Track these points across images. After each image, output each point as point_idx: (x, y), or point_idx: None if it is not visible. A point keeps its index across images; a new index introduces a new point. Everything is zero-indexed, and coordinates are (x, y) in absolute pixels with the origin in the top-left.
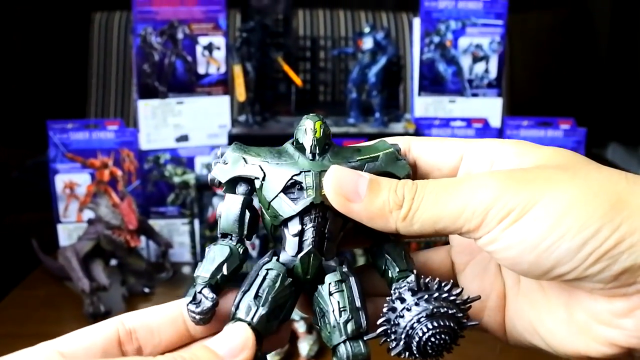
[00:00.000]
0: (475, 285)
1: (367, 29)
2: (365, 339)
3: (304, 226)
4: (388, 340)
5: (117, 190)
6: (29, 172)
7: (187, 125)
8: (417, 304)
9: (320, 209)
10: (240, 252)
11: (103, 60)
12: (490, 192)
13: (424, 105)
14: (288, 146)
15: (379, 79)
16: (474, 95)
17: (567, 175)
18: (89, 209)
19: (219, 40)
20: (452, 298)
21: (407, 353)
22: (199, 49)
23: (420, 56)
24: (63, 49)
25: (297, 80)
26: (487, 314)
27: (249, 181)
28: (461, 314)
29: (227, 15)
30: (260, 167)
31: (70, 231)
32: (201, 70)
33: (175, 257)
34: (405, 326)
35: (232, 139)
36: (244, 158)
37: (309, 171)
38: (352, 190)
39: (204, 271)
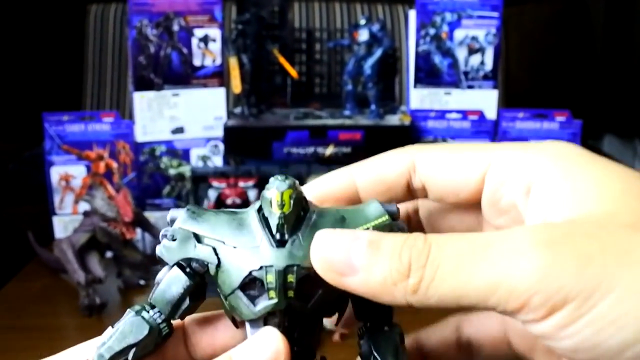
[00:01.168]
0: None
1: (362, 21)
2: None
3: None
4: None
5: (113, 182)
6: (25, 164)
7: (183, 117)
8: None
9: (288, 314)
10: (163, 334)
11: (99, 52)
12: (534, 268)
13: (419, 97)
14: (252, 216)
15: (374, 71)
16: (470, 87)
17: None
18: (84, 201)
19: (215, 32)
20: None
21: None
22: (194, 41)
23: (416, 48)
24: (58, 41)
25: (293, 72)
26: (538, 354)
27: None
28: None
29: (222, 7)
30: (214, 250)
31: (65, 223)
32: (197, 62)
33: None
34: None
35: (228, 130)
36: (195, 235)
37: (271, 267)
38: (344, 263)
39: (107, 347)
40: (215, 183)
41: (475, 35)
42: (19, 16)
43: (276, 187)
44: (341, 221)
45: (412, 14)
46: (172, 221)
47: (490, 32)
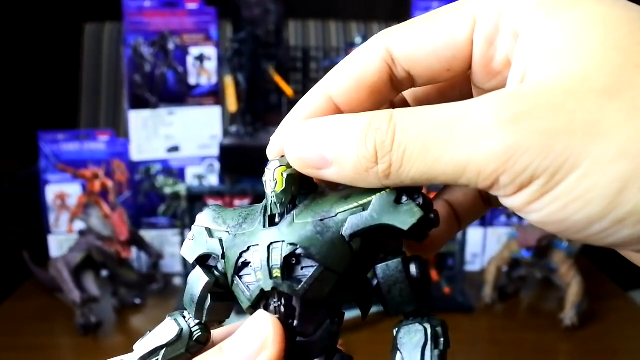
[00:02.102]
0: None
1: (358, 40)
2: None
3: None
4: None
5: (108, 201)
6: (20, 183)
7: (178, 135)
8: None
9: (282, 295)
10: (194, 338)
11: (94, 71)
12: (497, 147)
13: None
14: (261, 205)
15: None
16: None
17: (623, 107)
18: (80, 220)
19: (210, 51)
20: None
21: None
22: (190, 60)
23: None
24: (54, 59)
25: (288, 91)
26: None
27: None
28: None
29: (218, 26)
30: (220, 242)
31: (61, 242)
32: (192, 80)
33: (166, 268)
34: None
35: (224, 149)
36: (208, 230)
37: (257, 245)
38: (317, 159)
39: (140, 348)
40: (210, 202)
41: None
42: (14, 35)
43: (268, 168)
44: (344, 198)
45: None
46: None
47: None
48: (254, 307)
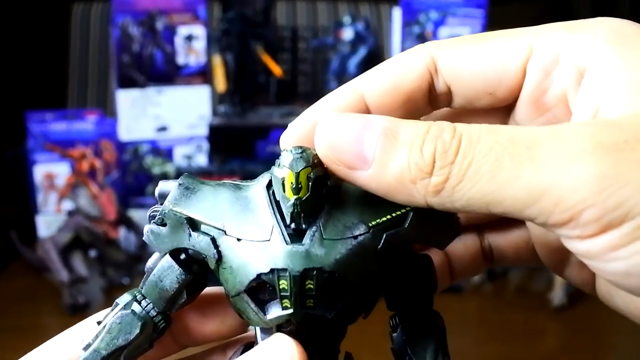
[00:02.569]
0: (553, 235)
1: (347, 20)
2: None
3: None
4: None
5: (97, 181)
6: (7, 163)
7: (167, 115)
8: None
9: (306, 323)
10: (157, 330)
11: (82, 51)
12: (591, 177)
13: None
14: (260, 196)
15: (359, 70)
16: None
17: None
18: (68, 200)
19: (199, 31)
20: None
21: None
22: (178, 40)
23: (401, 47)
24: (42, 39)
25: (277, 70)
26: (570, 268)
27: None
28: None
29: (206, 6)
30: (214, 241)
31: (49, 222)
32: (181, 60)
33: (154, 248)
34: None
35: (212, 129)
36: (189, 220)
37: (285, 271)
38: (354, 154)
39: (92, 351)
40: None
41: (460, 34)
42: (2, 15)
43: (289, 166)
44: (371, 206)
45: (397, 13)
46: (162, 197)
47: (475, 30)
48: (265, 327)
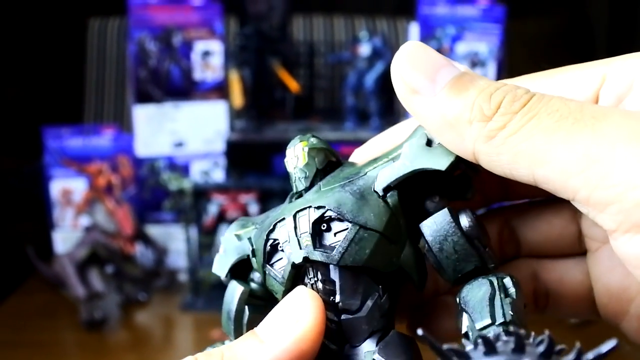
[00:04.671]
0: (617, 279)
1: (364, 35)
2: None
3: None
4: None
5: (113, 196)
6: (24, 179)
7: (184, 131)
8: None
9: (317, 268)
10: None
11: (99, 66)
12: None
13: None
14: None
15: (376, 85)
16: None
17: None
18: (85, 215)
19: (215, 46)
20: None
21: None
22: (195, 55)
23: None
24: (59, 54)
25: (293, 86)
26: (629, 320)
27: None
28: None
29: (223, 21)
30: (250, 240)
31: (65, 238)
32: (197, 76)
33: (171, 264)
34: None
35: (229, 144)
36: (237, 236)
37: (283, 219)
38: (426, 78)
39: None
40: (215, 197)
41: (478, 49)
42: (19, 30)
43: (291, 143)
44: (373, 160)
45: (414, 28)
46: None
47: (492, 45)
48: (288, 291)
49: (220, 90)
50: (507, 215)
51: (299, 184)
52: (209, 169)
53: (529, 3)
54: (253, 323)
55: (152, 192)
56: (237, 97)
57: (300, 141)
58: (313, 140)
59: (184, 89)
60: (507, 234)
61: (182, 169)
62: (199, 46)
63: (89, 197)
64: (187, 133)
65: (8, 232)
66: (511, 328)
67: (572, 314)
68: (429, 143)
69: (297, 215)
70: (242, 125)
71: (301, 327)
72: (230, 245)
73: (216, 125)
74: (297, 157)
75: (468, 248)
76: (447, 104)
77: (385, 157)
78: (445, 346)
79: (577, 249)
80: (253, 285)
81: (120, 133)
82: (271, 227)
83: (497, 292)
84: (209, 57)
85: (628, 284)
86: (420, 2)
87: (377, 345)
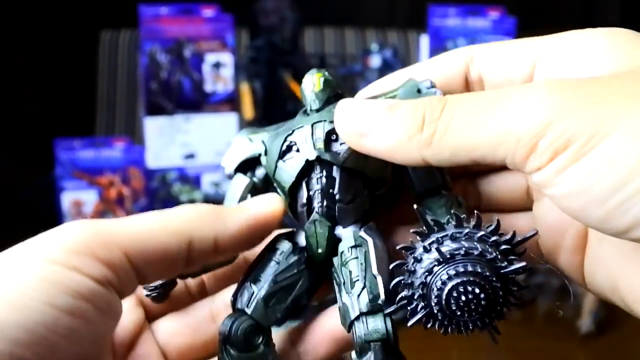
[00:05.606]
0: (553, 218)
1: (375, 47)
2: (385, 312)
3: (310, 192)
4: (408, 308)
5: (125, 208)
6: (36, 191)
7: (195, 143)
8: (438, 246)
9: (324, 167)
10: None
11: (110, 78)
12: (543, 113)
13: None
14: (299, 114)
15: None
16: None
17: None
18: None
19: (227, 58)
20: (493, 239)
21: (431, 321)
22: (206, 67)
23: None
24: (70, 67)
25: None
26: (564, 253)
27: (258, 162)
28: (501, 257)
29: (234, 33)
30: (263, 142)
31: None
32: (208, 88)
33: None
34: (420, 278)
35: None
36: (249, 138)
37: (302, 126)
38: (363, 126)
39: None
40: None
41: None
42: (30, 42)
43: (309, 74)
44: (375, 96)
45: (425, 40)
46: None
47: None
48: (294, 185)
49: (231, 102)
50: (471, 172)
51: (313, 104)
52: (220, 181)
53: (540, 15)
54: None
55: (163, 203)
56: (248, 109)
57: (317, 72)
58: (327, 73)
59: (195, 101)
60: (471, 189)
61: (193, 181)
62: (210, 58)
63: (100, 209)
64: (198, 145)
65: (19, 243)
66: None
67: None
68: (419, 91)
69: (314, 126)
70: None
71: (269, 204)
72: (242, 146)
73: (227, 137)
74: (314, 83)
75: (434, 170)
76: (386, 134)
77: (383, 97)
78: (429, 217)
79: (529, 203)
80: (255, 179)
81: (131, 145)
82: (290, 131)
83: (453, 203)
84: (220, 69)
85: (561, 220)
86: (431, 14)
87: (361, 229)
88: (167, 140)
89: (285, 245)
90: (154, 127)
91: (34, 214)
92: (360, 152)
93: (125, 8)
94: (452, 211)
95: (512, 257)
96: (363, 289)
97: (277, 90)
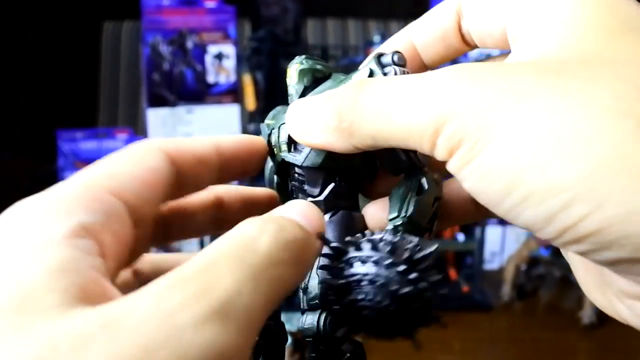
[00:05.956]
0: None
1: (377, 38)
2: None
3: (291, 188)
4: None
5: None
6: (38, 182)
7: (197, 134)
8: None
9: (293, 165)
10: None
11: (113, 70)
12: (441, 109)
13: None
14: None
15: None
16: None
17: (583, 72)
18: None
19: (229, 50)
20: (389, 261)
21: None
22: (208, 58)
23: None
24: (73, 58)
25: None
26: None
27: None
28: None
29: (236, 25)
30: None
31: None
32: (211, 79)
33: None
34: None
35: None
36: (267, 124)
37: (274, 128)
38: (306, 121)
39: None
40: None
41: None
42: (33, 34)
43: (288, 66)
44: (343, 80)
45: None
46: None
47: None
48: (279, 183)
49: (233, 93)
50: None
51: (291, 99)
52: None
53: None
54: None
55: None
56: (251, 100)
57: (295, 62)
58: (304, 61)
59: (197, 92)
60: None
61: None
62: (213, 49)
63: None
64: (200, 136)
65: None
66: (400, 227)
67: (462, 219)
68: (381, 65)
69: (281, 127)
70: (255, 129)
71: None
72: (263, 132)
73: (229, 128)
74: (290, 76)
75: (397, 152)
76: (319, 128)
77: (345, 81)
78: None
79: None
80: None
81: (133, 136)
82: (269, 131)
83: (411, 191)
84: (222, 61)
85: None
86: (433, 6)
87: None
88: (169, 131)
89: None
90: (156, 118)
91: None
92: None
93: None
94: (406, 200)
95: (414, 277)
96: (306, 287)
97: (279, 81)
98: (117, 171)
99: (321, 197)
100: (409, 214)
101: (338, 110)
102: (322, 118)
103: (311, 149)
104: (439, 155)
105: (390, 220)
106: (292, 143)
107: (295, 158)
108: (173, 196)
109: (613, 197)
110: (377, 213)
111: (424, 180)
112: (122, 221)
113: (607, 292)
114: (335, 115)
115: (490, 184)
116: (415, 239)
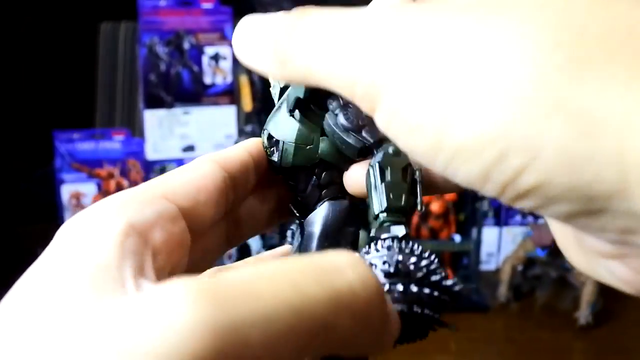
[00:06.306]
0: None
1: None
2: None
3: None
4: None
5: None
6: (35, 183)
7: (194, 135)
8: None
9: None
10: None
11: (109, 70)
12: (358, 57)
13: None
14: None
15: None
16: None
17: (505, 5)
18: None
19: (226, 50)
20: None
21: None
22: (205, 59)
23: None
24: (69, 59)
25: None
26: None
27: None
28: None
29: (233, 25)
30: None
31: None
32: (207, 80)
33: None
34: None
35: None
36: None
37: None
38: (252, 49)
39: None
40: None
41: None
42: (29, 34)
43: None
44: None
45: None
46: None
47: None
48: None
49: (230, 94)
50: None
51: (275, 101)
52: None
53: None
54: None
55: None
56: (247, 101)
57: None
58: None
59: (194, 93)
60: None
61: None
62: (209, 50)
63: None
64: (197, 137)
65: (19, 235)
66: (386, 223)
67: (449, 187)
68: None
69: (263, 133)
70: (252, 130)
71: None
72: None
73: (226, 129)
74: (272, 81)
75: (351, 137)
76: (257, 51)
77: None
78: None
79: None
80: None
81: (130, 137)
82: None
83: (376, 181)
84: (219, 62)
85: None
86: None
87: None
88: (166, 132)
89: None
90: (153, 119)
91: (34, 206)
92: (290, 149)
93: (125, 0)
94: (377, 192)
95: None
96: None
97: None
98: (170, 179)
99: (306, 193)
100: (384, 207)
101: (275, 37)
102: (261, 42)
103: (281, 152)
104: (364, 108)
105: (374, 219)
106: (271, 147)
107: (274, 159)
108: (231, 199)
109: (549, 144)
110: (359, 177)
111: (382, 160)
112: (174, 221)
113: (587, 254)
114: (273, 41)
115: (419, 141)
116: (415, 250)
